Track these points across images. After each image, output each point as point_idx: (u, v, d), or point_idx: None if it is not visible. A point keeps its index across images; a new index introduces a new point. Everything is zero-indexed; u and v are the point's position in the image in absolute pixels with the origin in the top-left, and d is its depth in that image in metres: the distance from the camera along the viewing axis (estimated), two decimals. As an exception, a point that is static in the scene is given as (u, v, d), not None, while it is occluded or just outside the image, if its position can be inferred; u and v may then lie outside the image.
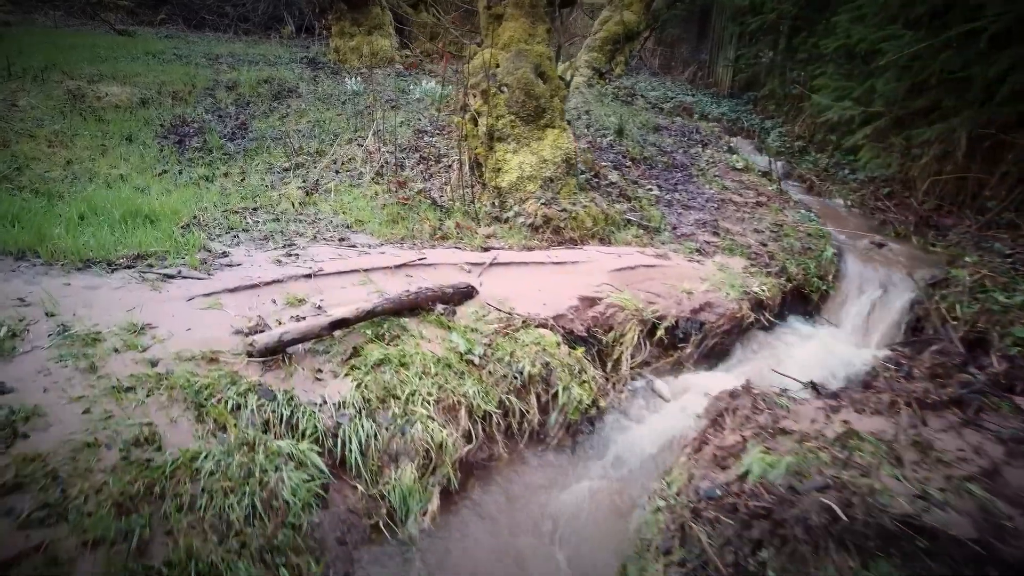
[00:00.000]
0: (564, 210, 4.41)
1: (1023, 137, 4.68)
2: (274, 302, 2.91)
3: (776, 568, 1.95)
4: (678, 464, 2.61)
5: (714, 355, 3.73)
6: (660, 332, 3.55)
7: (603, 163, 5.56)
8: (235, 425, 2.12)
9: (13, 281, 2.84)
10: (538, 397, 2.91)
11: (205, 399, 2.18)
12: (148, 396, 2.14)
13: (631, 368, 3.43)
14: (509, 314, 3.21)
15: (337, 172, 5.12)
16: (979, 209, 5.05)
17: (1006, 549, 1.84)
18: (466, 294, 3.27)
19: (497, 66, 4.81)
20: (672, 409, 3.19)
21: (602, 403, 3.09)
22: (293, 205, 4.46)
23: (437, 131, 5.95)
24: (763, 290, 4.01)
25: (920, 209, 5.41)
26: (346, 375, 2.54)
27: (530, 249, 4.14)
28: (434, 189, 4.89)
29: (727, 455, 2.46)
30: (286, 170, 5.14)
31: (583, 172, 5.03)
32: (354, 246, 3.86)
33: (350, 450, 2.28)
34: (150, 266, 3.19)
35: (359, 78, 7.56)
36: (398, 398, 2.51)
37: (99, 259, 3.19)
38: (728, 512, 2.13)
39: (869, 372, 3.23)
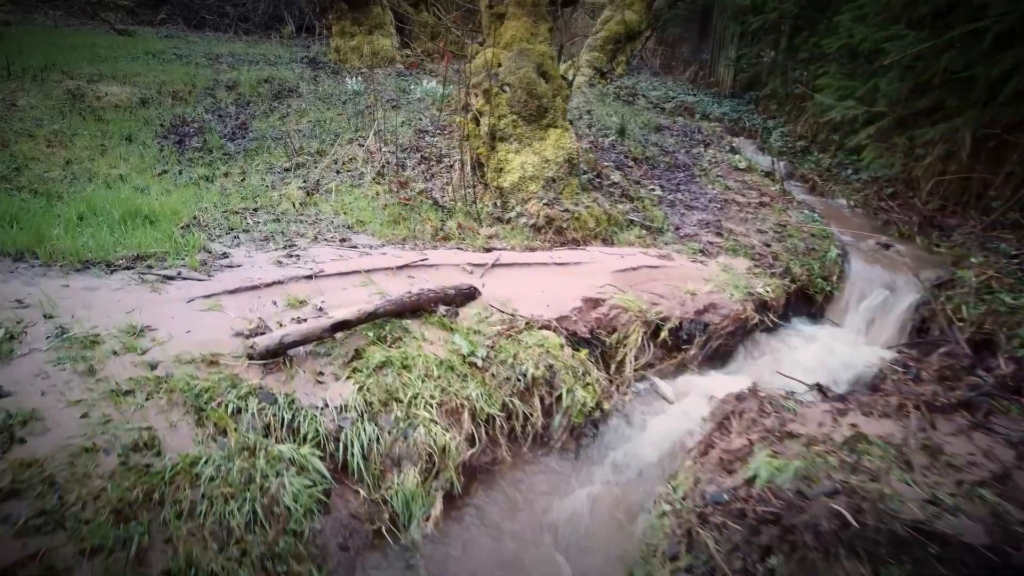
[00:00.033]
0: (567, 210, 4.38)
1: (1028, 137, 4.65)
2: (275, 304, 2.88)
3: (786, 575, 1.92)
4: (684, 468, 2.58)
5: (718, 357, 3.70)
6: (664, 334, 3.52)
7: (605, 163, 5.53)
8: (236, 429, 2.09)
9: (11, 282, 2.81)
10: (542, 400, 2.88)
11: (205, 403, 2.15)
12: (147, 400, 2.11)
13: (635, 370, 3.40)
14: (512, 316, 3.18)
15: (338, 172, 5.09)
16: (984, 209, 5.02)
17: (1020, 556, 1.81)
18: (468, 295, 3.24)
19: (499, 65, 4.78)
20: (676, 411, 3.15)
21: (606, 406, 3.06)
22: (294, 205, 4.43)
23: (438, 131, 5.93)
24: (767, 291, 3.98)
25: (924, 209, 5.38)
26: (348, 378, 2.50)
27: (532, 250, 4.11)
28: (436, 189, 4.86)
29: (734, 459, 2.43)
30: (287, 170, 5.11)
31: (585, 172, 5.00)
32: (355, 247, 3.83)
33: (352, 454, 2.25)
34: (150, 267, 3.16)
35: (360, 78, 7.53)
36: (400, 401, 2.48)
37: (98, 260, 3.16)
38: (736, 517, 2.10)
39: (876, 374, 3.20)
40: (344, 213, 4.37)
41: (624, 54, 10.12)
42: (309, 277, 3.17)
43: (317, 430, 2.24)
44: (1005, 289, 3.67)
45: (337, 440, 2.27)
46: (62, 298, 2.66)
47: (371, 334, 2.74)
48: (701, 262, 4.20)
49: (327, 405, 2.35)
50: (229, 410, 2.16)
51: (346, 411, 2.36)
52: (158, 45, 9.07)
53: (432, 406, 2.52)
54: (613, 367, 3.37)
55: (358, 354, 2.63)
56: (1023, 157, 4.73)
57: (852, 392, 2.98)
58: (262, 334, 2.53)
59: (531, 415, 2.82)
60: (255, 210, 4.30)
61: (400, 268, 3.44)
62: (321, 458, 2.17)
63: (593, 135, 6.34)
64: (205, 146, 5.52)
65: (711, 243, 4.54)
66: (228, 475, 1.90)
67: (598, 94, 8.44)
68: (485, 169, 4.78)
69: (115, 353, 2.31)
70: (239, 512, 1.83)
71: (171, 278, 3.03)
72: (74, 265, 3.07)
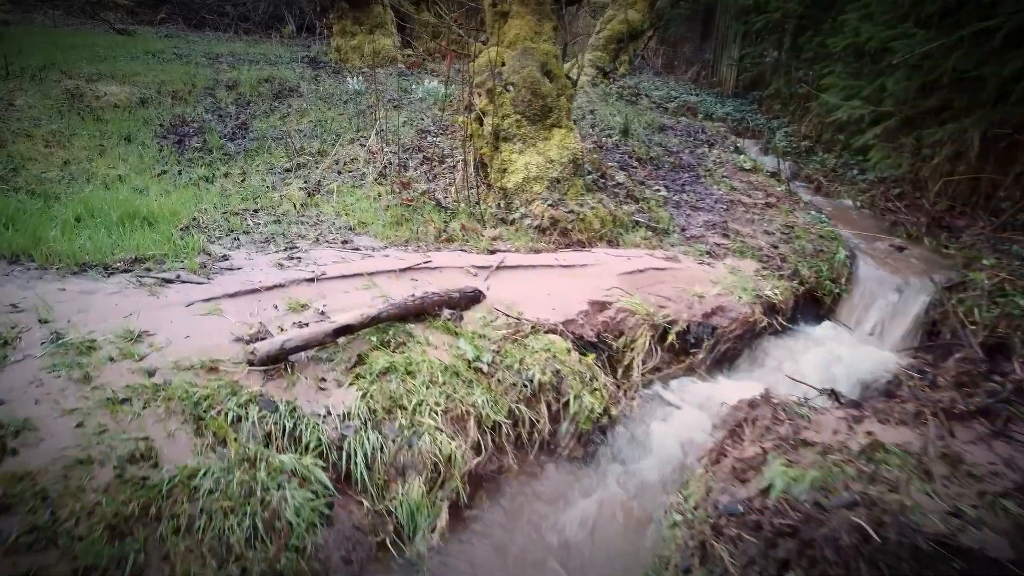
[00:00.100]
0: (571, 211, 4.31)
1: (1039, 137, 4.59)
2: (276, 307, 2.82)
3: (804, 591, 1.86)
4: (695, 476, 2.52)
5: (726, 360, 3.64)
6: (671, 337, 3.46)
7: (609, 163, 5.47)
8: (236, 439, 2.03)
9: (6, 286, 2.74)
10: (548, 406, 2.82)
11: (204, 411, 2.09)
12: (144, 408, 2.04)
13: (642, 374, 3.34)
14: (518, 319, 3.12)
15: (339, 173, 5.02)
16: (993, 210, 4.95)
17: (1048, 571, 1.75)
18: (473, 298, 3.18)
19: (503, 64, 4.71)
20: (685, 417, 3.09)
21: (613, 411, 2.99)
22: (295, 206, 4.37)
23: (440, 131, 5.86)
24: (776, 293, 3.92)
25: (932, 210, 5.31)
26: (351, 384, 2.44)
27: (537, 251, 4.04)
28: (438, 190, 4.80)
29: (747, 468, 2.36)
30: (287, 171, 5.04)
31: (590, 173, 4.93)
32: (357, 249, 3.77)
33: (355, 464, 2.18)
34: (148, 270, 3.10)
35: (361, 77, 7.47)
36: (405, 408, 2.42)
37: (95, 263, 3.09)
38: (752, 530, 2.04)
39: (891, 380, 3.13)
40: (346, 214, 4.31)
41: (627, 53, 10.06)
42: (311, 280, 3.10)
43: (319, 439, 2.18)
44: (1019, 292, 3.60)
45: (340, 449, 2.20)
46: (58, 302, 2.59)
47: (374, 339, 2.68)
48: (708, 264, 4.14)
49: (329, 413, 2.29)
50: (229, 419, 2.09)
51: (349, 419, 2.29)
52: (158, 45, 9.00)
53: (437, 413, 2.46)
54: (620, 372, 3.31)
55: (361, 359, 2.56)
56: (1034, 157, 4.67)
57: (867, 398, 2.91)
58: (263, 339, 2.47)
59: (538, 422, 2.76)
60: (255, 211, 4.24)
61: (403, 271, 3.38)
62: (323, 468, 2.11)
63: (597, 135, 6.27)
64: (205, 146, 5.46)
65: (718, 244, 4.47)
66: (228, 488, 1.83)
67: (601, 94, 8.37)
68: (488, 170, 4.72)
69: (112, 359, 2.24)
70: (239, 527, 1.76)
71: (170, 281, 2.97)
72: (71, 268, 3.01)
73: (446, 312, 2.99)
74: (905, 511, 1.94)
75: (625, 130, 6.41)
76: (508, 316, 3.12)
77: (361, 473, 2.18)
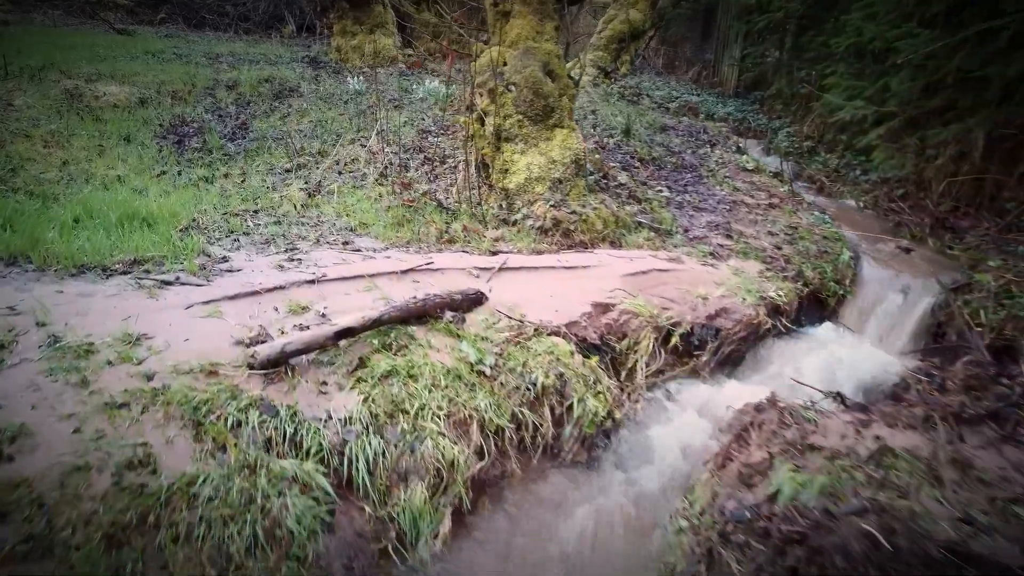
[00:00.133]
0: (574, 212, 4.28)
1: (1044, 138, 4.56)
2: (276, 310, 2.79)
3: (814, 599, 1.83)
4: (701, 481, 2.48)
5: (730, 362, 3.61)
6: (675, 339, 3.42)
7: (612, 164, 5.44)
8: (235, 444, 2.00)
9: (3, 288, 2.71)
10: (552, 409, 2.79)
11: (204, 416, 2.05)
12: (143, 413, 2.01)
13: (646, 377, 3.31)
14: (520, 322, 3.09)
15: (340, 173, 4.99)
16: (998, 211, 4.92)
17: (1062, 580, 1.72)
18: (475, 300, 3.14)
19: (504, 64, 4.68)
20: (690, 421, 3.06)
21: (617, 415, 2.96)
22: (295, 207, 4.34)
23: (442, 131, 5.83)
24: (780, 295, 3.88)
25: (936, 211, 5.28)
26: (352, 388, 2.41)
27: (539, 253, 4.01)
28: (440, 191, 4.77)
29: (753, 473, 2.33)
30: (287, 171, 5.01)
31: (592, 173, 4.90)
32: (358, 250, 3.74)
33: (357, 469, 2.15)
34: (147, 272, 3.06)
35: (361, 77, 7.43)
36: (407, 412, 2.39)
37: (94, 264, 3.06)
38: (759, 536, 2.01)
39: (898, 383, 3.10)
40: (347, 215, 4.28)
41: (628, 53, 10.03)
42: (311, 282, 3.07)
43: (320, 444, 2.15)
44: (1025, 294, 3.58)
45: (341, 454, 2.17)
46: (56, 305, 2.56)
47: (376, 341, 2.65)
48: (712, 265, 4.11)
49: (331, 417, 2.26)
50: (229, 424, 2.06)
51: (350, 423, 2.26)
52: (158, 44, 8.97)
53: (440, 417, 2.42)
54: (624, 374, 3.28)
55: (362, 363, 2.53)
56: (1039, 158, 4.64)
57: (873, 401, 2.88)
58: (263, 342, 2.44)
59: (541, 425, 2.73)
60: (255, 212, 4.21)
61: (405, 272, 3.35)
62: (325, 474, 2.07)
63: (598, 135, 6.24)
64: (205, 146, 5.43)
65: (721, 245, 4.44)
66: (227, 495, 1.80)
67: (602, 94, 8.34)
68: (490, 170, 4.69)
69: (110, 363, 2.21)
70: (239, 536, 1.73)
71: (169, 283, 2.93)
72: (69, 270, 2.98)
73: (448, 314, 2.96)
74: (915, 518, 1.91)
75: (627, 130, 6.38)
76: (511, 318, 3.09)
77: (363, 479, 2.15)
